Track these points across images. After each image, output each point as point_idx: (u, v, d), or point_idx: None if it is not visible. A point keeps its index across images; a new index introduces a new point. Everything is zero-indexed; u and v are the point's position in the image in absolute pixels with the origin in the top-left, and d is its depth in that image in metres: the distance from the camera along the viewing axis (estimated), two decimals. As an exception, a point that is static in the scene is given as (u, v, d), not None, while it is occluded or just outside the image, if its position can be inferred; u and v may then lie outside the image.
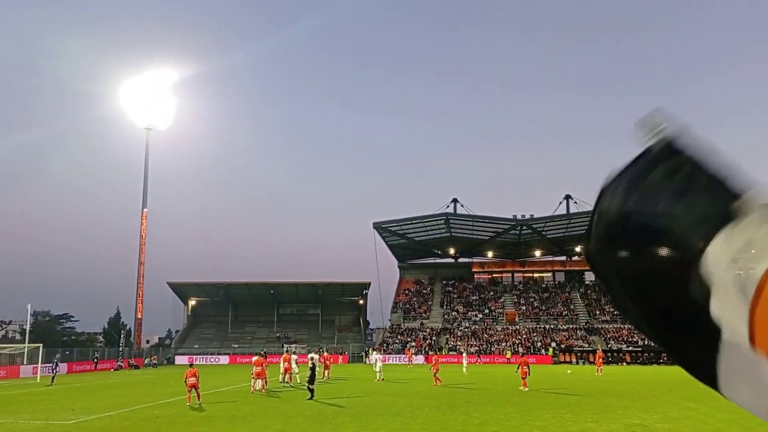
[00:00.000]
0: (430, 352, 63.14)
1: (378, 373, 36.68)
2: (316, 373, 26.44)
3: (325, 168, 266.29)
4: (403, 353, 65.21)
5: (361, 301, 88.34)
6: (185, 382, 23.36)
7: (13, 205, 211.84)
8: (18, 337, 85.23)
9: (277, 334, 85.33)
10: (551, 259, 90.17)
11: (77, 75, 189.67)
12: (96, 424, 18.91)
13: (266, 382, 29.73)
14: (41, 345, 47.25)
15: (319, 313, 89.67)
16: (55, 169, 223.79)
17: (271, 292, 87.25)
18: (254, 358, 30.52)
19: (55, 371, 39.90)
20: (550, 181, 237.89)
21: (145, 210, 74.10)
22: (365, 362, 53.27)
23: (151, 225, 79.68)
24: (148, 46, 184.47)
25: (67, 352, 60.85)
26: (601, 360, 46.91)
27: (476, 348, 69.59)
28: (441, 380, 33.18)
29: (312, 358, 29.00)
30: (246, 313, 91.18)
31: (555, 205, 75.36)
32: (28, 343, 48.73)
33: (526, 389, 29.70)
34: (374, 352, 38.71)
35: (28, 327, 51.87)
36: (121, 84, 73.15)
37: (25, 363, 48.99)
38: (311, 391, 25.40)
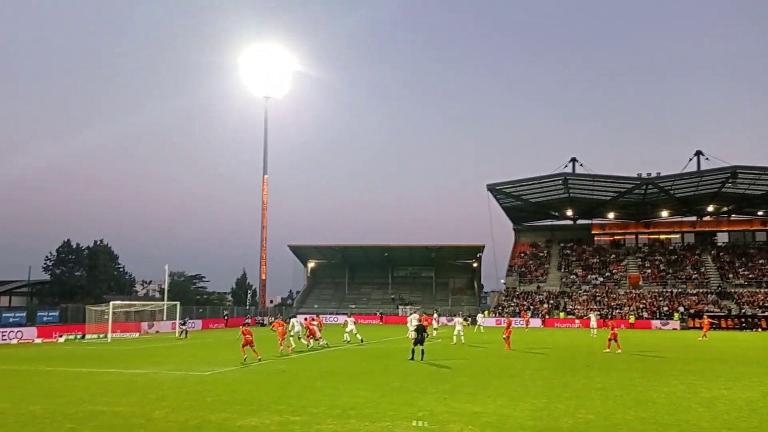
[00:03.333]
0: (505, 315, 62.37)
1: (455, 336, 35.88)
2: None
3: (440, 130, 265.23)
4: (519, 316, 64.42)
5: (475, 264, 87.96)
6: (242, 338, 24.23)
7: (153, 175, 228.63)
8: (157, 295, 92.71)
9: (392, 296, 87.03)
10: (679, 219, 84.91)
11: (202, 46, 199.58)
12: (229, 376, 20.18)
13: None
14: (178, 303, 50.97)
15: (433, 275, 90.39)
16: (186, 138, 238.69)
17: (386, 254, 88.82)
18: (242, 325, 30.49)
19: (182, 327, 44.90)
20: (679, 137, 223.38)
21: (265, 176, 77.29)
22: (474, 326, 53.17)
23: (272, 190, 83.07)
24: (263, 15, 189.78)
25: (200, 310, 65.49)
26: (708, 325, 46.36)
27: (597, 312, 67.37)
28: (510, 345, 31.63)
29: (414, 319, 28.98)
30: (362, 275, 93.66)
31: (684, 162, 70.68)
32: (167, 300, 52.60)
33: (608, 351, 29.74)
34: (459, 317, 38.38)
35: (166, 286, 55.93)
36: (240, 54, 75.98)
37: (164, 319, 53.08)
38: (413, 351, 25.02)
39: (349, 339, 35.78)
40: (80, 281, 78.95)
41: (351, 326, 36.30)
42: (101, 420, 12.45)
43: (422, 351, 24.85)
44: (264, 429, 11.55)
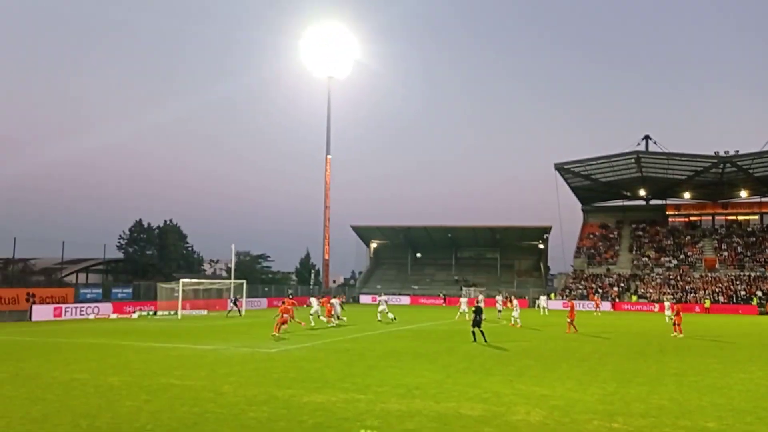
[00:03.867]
0: (567, 298, 60.77)
1: (513, 318, 35.04)
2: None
3: (504, 108, 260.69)
4: (588, 299, 62.94)
5: (541, 246, 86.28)
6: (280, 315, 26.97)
7: (219, 157, 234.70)
8: (224, 274, 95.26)
9: (456, 277, 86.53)
10: (759, 200, 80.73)
11: (263, 26, 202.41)
12: (295, 353, 20.48)
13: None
14: (245, 281, 52.04)
15: (498, 257, 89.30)
16: (251, 118, 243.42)
17: (449, 235, 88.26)
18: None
19: (231, 307, 45.01)
20: (758, 114, 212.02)
21: (328, 157, 77.76)
22: (537, 308, 52.50)
23: (335, 170, 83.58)
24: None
25: (266, 289, 66.87)
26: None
27: (671, 296, 65.08)
28: (576, 328, 30.70)
29: (478, 300, 29.09)
30: (425, 256, 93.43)
31: (765, 140, 67.00)
32: (233, 279, 53.77)
33: (680, 335, 28.73)
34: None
35: (233, 265, 57.18)
36: (303, 35, 76.31)
37: (231, 297, 54.36)
38: (474, 334, 24.59)
39: (392, 316, 36.53)
40: (151, 259, 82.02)
41: (383, 306, 37.21)
42: (174, 392, 12.81)
43: (482, 333, 24.37)
44: (330, 406, 11.60)
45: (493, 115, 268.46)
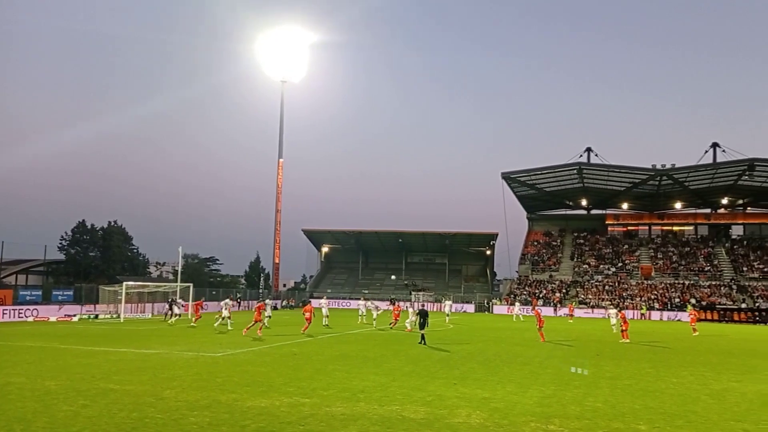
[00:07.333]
0: (535, 305, 61.26)
1: (408, 323, 33.62)
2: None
3: (454, 118, 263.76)
4: (530, 305, 64.24)
5: (488, 252, 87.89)
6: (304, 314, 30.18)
7: (163, 162, 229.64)
8: (171, 277, 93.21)
9: (405, 282, 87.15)
10: (694, 211, 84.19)
11: (218, 32, 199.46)
12: (241, 357, 20.32)
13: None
14: (191, 284, 51.08)
15: (446, 262, 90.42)
16: (198, 123, 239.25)
17: (400, 240, 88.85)
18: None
19: (167, 310, 41.47)
20: (694, 130, 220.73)
21: (281, 160, 77.06)
22: (511, 314, 53.63)
23: (287, 174, 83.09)
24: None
25: (213, 292, 65.72)
26: (695, 318, 40.00)
27: (610, 303, 67.07)
28: (544, 336, 30.07)
29: (423, 305, 30.19)
30: (376, 261, 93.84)
31: (699, 154, 70.07)
32: (180, 282, 52.75)
33: (627, 341, 30.08)
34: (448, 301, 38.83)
35: (180, 268, 56.08)
36: (257, 39, 75.52)
37: (176, 300, 53.27)
38: (422, 336, 26.33)
39: (327, 323, 36.94)
40: (94, 261, 79.55)
41: (325, 310, 38.69)
42: (113, 397, 12.59)
43: (423, 336, 26.28)
44: (273, 410, 11.62)
45: (443, 124, 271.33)
